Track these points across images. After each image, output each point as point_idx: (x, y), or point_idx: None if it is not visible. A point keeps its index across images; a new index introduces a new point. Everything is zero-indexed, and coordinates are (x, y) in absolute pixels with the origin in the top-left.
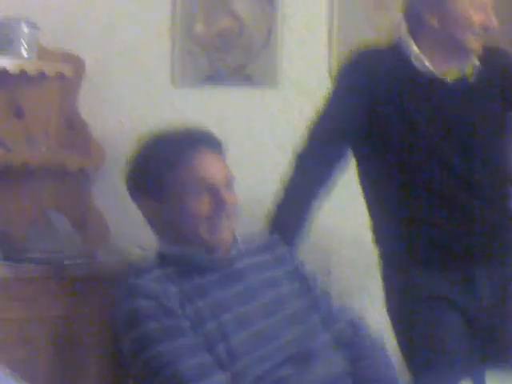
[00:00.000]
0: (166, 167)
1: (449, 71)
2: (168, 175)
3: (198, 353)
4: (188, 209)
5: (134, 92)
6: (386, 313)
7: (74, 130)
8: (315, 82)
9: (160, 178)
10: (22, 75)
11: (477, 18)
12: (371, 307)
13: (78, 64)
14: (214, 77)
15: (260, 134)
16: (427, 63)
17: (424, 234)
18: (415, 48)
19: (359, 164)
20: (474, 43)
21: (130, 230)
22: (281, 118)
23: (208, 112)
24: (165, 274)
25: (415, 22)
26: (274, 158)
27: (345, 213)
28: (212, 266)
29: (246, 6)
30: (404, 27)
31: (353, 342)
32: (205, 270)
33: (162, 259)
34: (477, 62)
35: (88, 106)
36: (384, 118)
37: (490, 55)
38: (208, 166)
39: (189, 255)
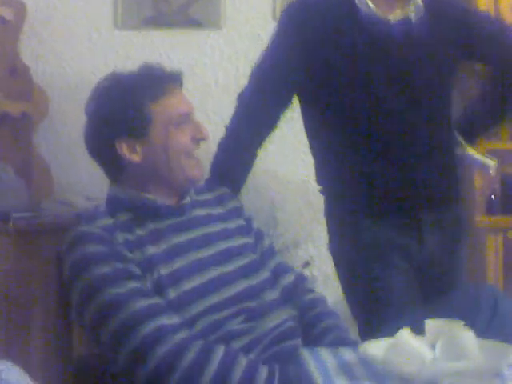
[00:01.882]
0: (150, 100)
1: (392, 12)
2: (153, 108)
3: (150, 295)
4: (173, 141)
5: (76, 35)
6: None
7: (16, 76)
8: (259, 23)
9: (144, 111)
10: None
11: None
12: (317, 256)
13: (18, 7)
14: (157, 18)
15: (204, 76)
16: (370, 4)
17: (369, 182)
18: None
19: (303, 107)
20: None
21: (76, 180)
22: (225, 60)
23: (151, 54)
24: (115, 222)
25: None
26: (217, 100)
27: (290, 161)
28: (167, 213)
29: None
30: None
31: (299, 293)
32: (159, 217)
33: (114, 207)
34: (420, 3)
35: (29, 50)
36: (327, 60)
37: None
38: (185, 100)
39: (145, 199)
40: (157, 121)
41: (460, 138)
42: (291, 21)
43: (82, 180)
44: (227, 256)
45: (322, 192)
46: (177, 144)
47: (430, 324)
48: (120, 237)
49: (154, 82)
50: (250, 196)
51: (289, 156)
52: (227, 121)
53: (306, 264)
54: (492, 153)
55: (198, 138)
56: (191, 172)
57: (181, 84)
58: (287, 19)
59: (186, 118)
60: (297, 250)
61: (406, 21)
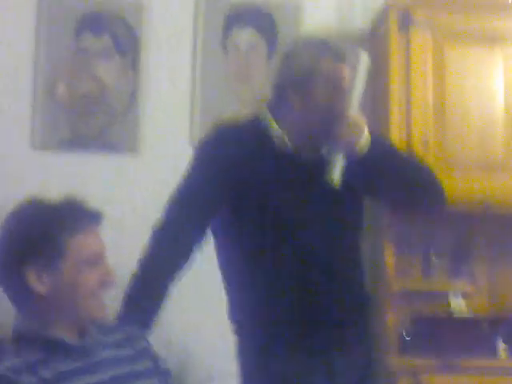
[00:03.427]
0: (67, 235)
1: (307, 147)
2: (68, 243)
3: None
4: (82, 280)
5: None
6: None
7: None
8: (176, 149)
9: (59, 244)
10: None
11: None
12: None
13: None
14: (74, 141)
15: (119, 200)
16: (286, 140)
17: (281, 324)
18: (274, 125)
19: (217, 242)
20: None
21: None
22: (141, 185)
23: (67, 177)
24: (21, 362)
25: (278, 96)
26: (132, 226)
27: (204, 296)
28: (74, 353)
29: (109, 69)
30: (264, 103)
31: None
32: (65, 357)
33: (20, 344)
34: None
35: None
36: (242, 196)
37: None
38: (99, 241)
39: (52, 337)
40: (70, 256)
41: None
42: (206, 156)
43: None
44: None
45: (235, 332)
46: (85, 283)
47: None
48: (26, 379)
49: (73, 218)
50: (163, 331)
51: (204, 290)
52: (141, 251)
53: None
54: (404, 293)
55: (106, 282)
56: (94, 312)
57: (99, 223)
58: (202, 154)
59: (98, 259)
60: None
61: (321, 158)
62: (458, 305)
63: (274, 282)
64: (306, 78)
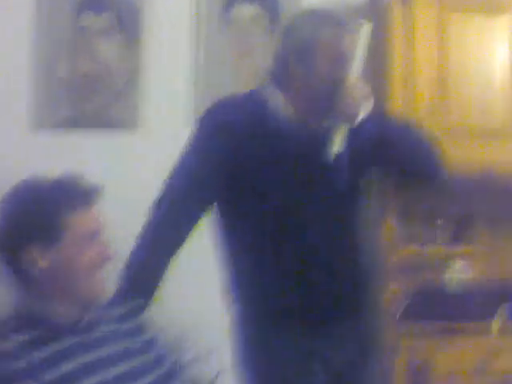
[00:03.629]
0: (65, 212)
1: (309, 117)
2: (66, 220)
3: None
4: (81, 256)
5: None
6: None
7: None
8: (178, 125)
9: (58, 222)
10: None
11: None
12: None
13: None
14: (75, 118)
15: (122, 177)
16: (290, 112)
17: (290, 291)
18: (278, 97)
19: (220, 214)
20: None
21: None
22: (143, 161)
23: (68, 155)
24: (21, 341)
25: (280, 67)
26: (133, 202)
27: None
28: (74, 330)
29: (110, 48)
30: (268, 75)
31: None
32: (66, 334)
33: (24, 321)
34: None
35: None
36: (243, 169)
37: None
38: (95, 218)
39: (52, 315)
40: (67, 234)
41: None
42: (207, 129)
43: None
44: (130, 376)
45: (235, 300)
46: (83, 260)
47: None
48: (24, 358)
49: (69, 196)
50: (161, 307)
51: (202, 267)
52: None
53: (218, 375)
54: (406, 260)
55: (103, 258)
56: (93, 289)
57: (96, 200)
58: (204, 127)
59: (95, 236)
60: (211, 358)
61: (325, 131)
62: (459, 270)
63: (277, 251)
64: (308, 47)
